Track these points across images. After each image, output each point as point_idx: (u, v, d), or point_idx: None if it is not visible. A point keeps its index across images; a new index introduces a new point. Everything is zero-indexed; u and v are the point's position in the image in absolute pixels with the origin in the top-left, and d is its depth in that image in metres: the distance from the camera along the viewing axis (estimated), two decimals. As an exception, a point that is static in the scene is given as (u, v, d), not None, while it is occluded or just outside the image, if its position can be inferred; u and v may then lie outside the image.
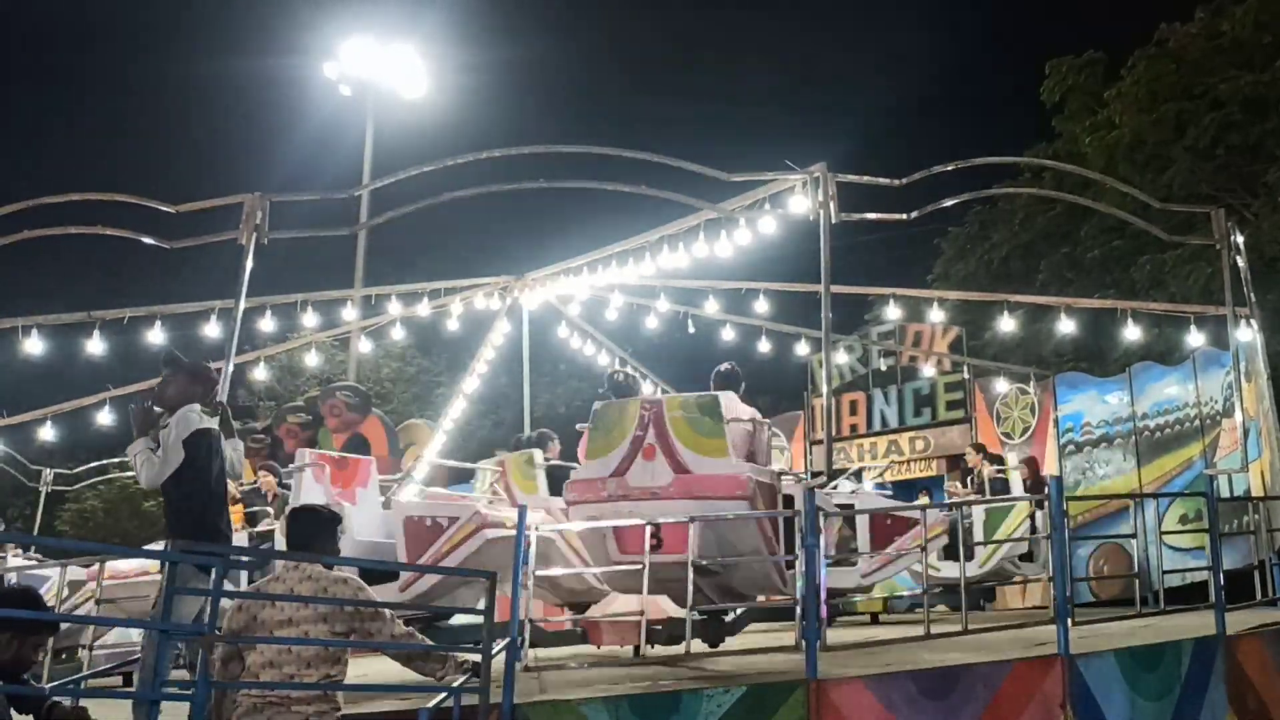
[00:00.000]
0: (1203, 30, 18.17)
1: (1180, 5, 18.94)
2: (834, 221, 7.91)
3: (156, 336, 10.14)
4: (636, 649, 6.92)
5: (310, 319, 11.57)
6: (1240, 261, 9.65)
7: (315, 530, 4.55)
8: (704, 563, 6.57)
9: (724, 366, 8.11)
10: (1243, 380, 9.69)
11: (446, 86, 25.03)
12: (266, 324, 11.30)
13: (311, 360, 14.91)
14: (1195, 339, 11.25)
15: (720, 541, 6.77)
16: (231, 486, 11.08)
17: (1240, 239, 9.80)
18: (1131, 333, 11.41)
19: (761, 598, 7.75)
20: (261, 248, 7.95)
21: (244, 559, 6.52)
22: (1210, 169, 17.53)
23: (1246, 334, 9.91)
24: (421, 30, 25.40)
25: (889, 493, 12.87)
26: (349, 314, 13.30)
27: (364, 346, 16.06)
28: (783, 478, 7.62)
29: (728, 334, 13.63)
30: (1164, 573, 8.11)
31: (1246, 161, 17.31)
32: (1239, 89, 16.89)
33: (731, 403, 7.40)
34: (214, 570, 4.19)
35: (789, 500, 7.39)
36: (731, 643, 7.79)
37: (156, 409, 5.57)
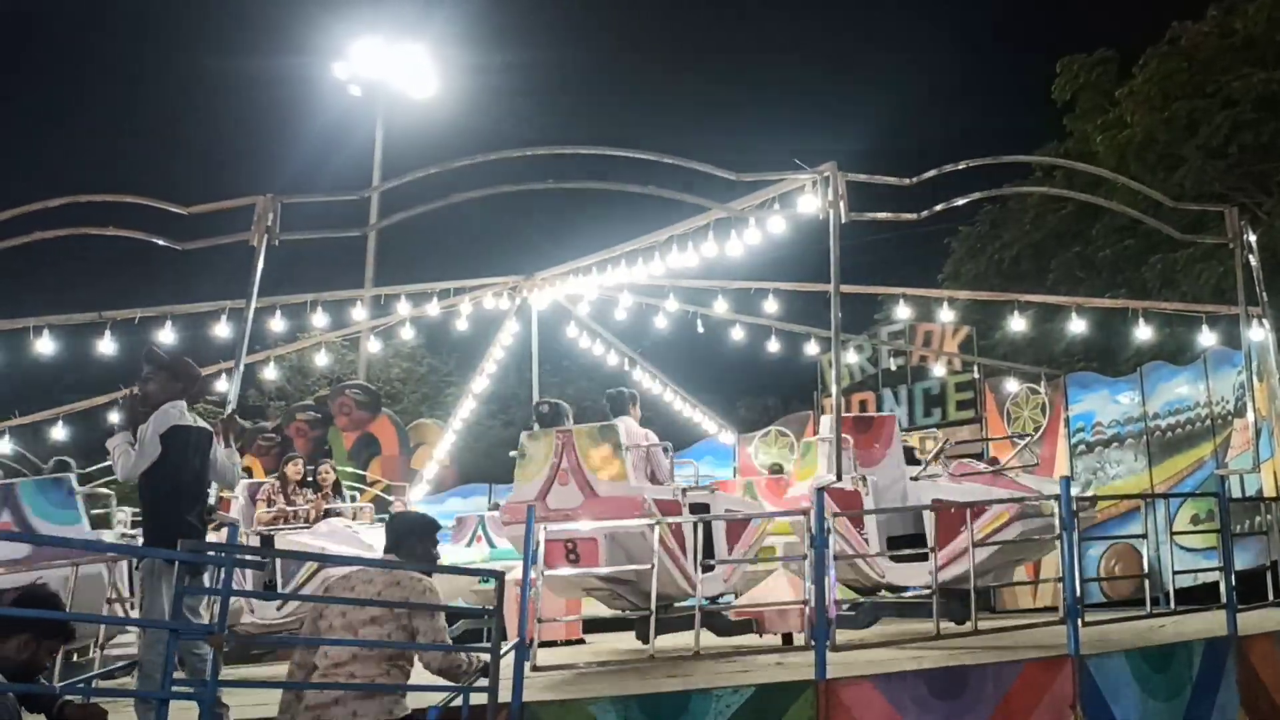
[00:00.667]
0: (1215, 28, 18.05)
1: (1192, 3, 18.84)
2: (844, 221, 7.90)
3: (167, 336, 10.17)
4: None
5: (320, 319, 11.58)
6: (1253, 260, 9.60)
7: (408, 534, 4.88)
8: (613, 572, 7.13)
9: (612, 391, 8.46)
10: (1255, 380, 9.64)
11: (456, 87, 25.12)
12: (277, 324, 11.34)
13: (321, 360, 14.96)
14: (1207, 338, 11.19)
15: (628, 554, 7.18)
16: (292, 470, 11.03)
17: (1253, 238, 9.75)
18: (1143, 332, 11.37)
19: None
20: (271, 247, 7.97)
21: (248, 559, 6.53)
22: (1222, 168, 17.41)
23: (1259, 333, 9.86)
24: (431, 31, 25.46)
25: None
26: (359, 314, 13.31)
27: (374, 346, 16.12)
28: (691, 491, 8.07)
29: (737, 333, 13.61)
30: (1175, 573, 8.07)
31: (1259, 160, 17.18)
32: (1251, 87, 16.77)
33: (630, 428, 7.93)
34: (222, 569, 4.22)
35: (704, 507, 7.79)
36: (739, 642, 7.82)
37: (141, 407, 5.60)
